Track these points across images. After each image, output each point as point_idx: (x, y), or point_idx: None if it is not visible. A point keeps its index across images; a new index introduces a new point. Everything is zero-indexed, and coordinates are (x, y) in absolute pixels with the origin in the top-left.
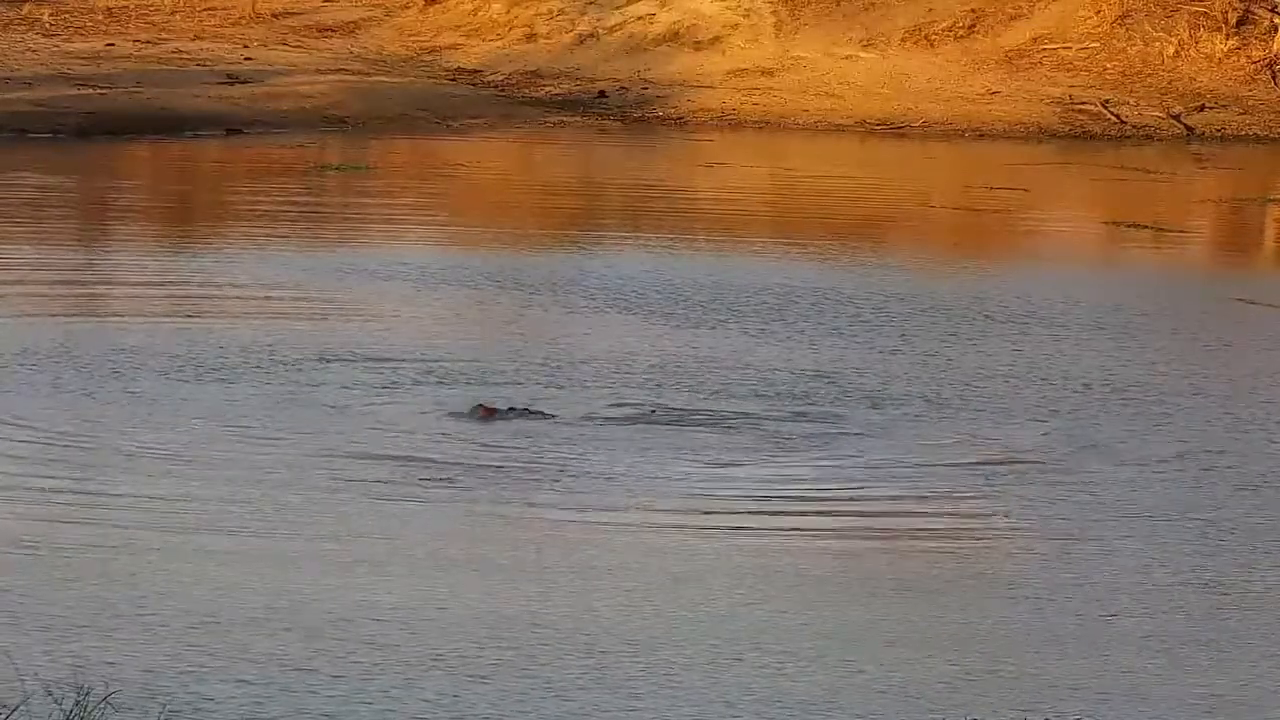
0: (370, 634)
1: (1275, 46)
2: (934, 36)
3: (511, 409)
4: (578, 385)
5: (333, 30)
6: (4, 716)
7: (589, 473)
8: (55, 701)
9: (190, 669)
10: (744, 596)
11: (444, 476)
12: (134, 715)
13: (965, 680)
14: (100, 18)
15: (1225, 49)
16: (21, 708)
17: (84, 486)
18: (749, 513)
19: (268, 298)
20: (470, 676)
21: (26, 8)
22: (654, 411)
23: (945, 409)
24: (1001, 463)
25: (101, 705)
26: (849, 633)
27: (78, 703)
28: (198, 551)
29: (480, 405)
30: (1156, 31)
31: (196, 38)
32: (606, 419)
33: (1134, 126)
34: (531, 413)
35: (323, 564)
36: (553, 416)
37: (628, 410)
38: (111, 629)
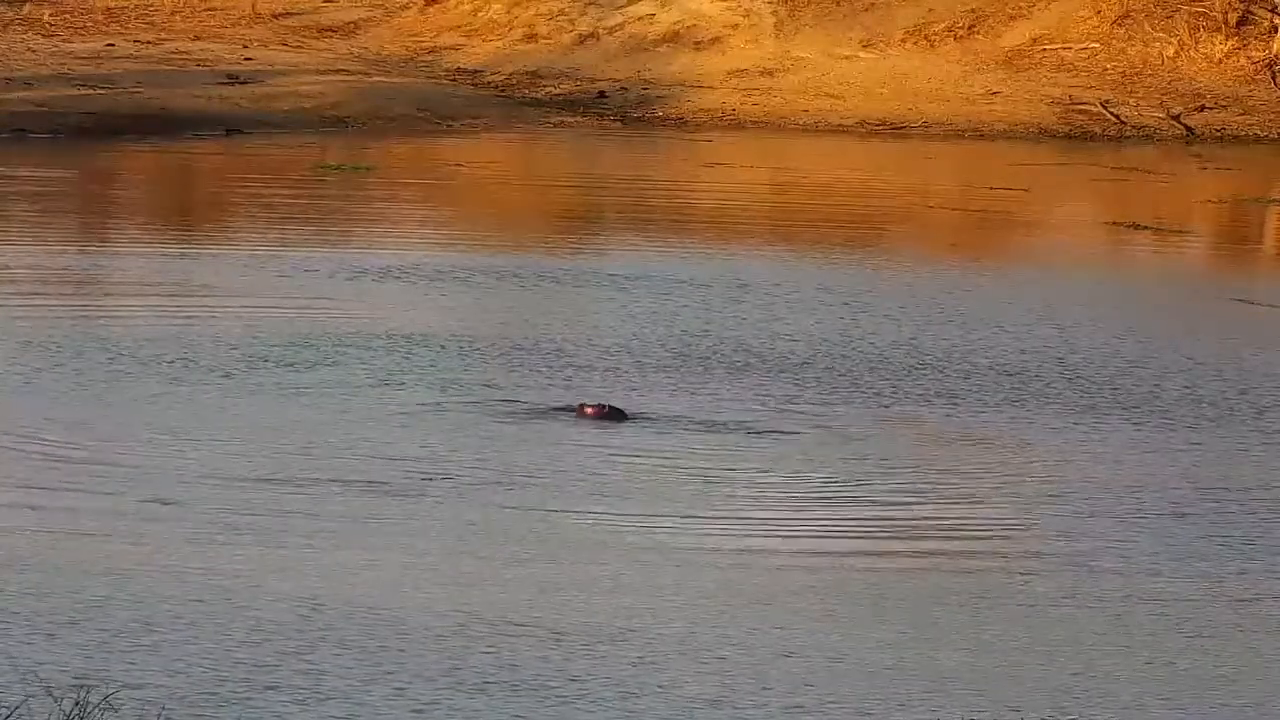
0: (373, 637)
1: (1275, 47)
2: (934, 36)
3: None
4: (584, 386)
5: (333, 30)
6: (4, 716)
7: (607, 477)
8: (55, 701)
9: (189, 670)
10: (752, 598)
11: (433, 477)
12: (134, 716)
13: (965, 680)
14: (100, 18)
15: (1225, 49)
16: (21, 708)
17: (85, 489)
18: (757, 512)
19: (268, 298)
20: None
21: (26, 8)
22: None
23: (949, 409)
24: (1004, 461)
25: (101, 705)
26: (851, 632)
27: (77, 703)
28: (199, 554)
29: (584, 404)
30: (1156, 32)
31: (196, 38)
32: (627, 421)
33: (1134, 127)
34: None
35: (329, 568)
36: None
37: (643, 412)
38: (112, 630)
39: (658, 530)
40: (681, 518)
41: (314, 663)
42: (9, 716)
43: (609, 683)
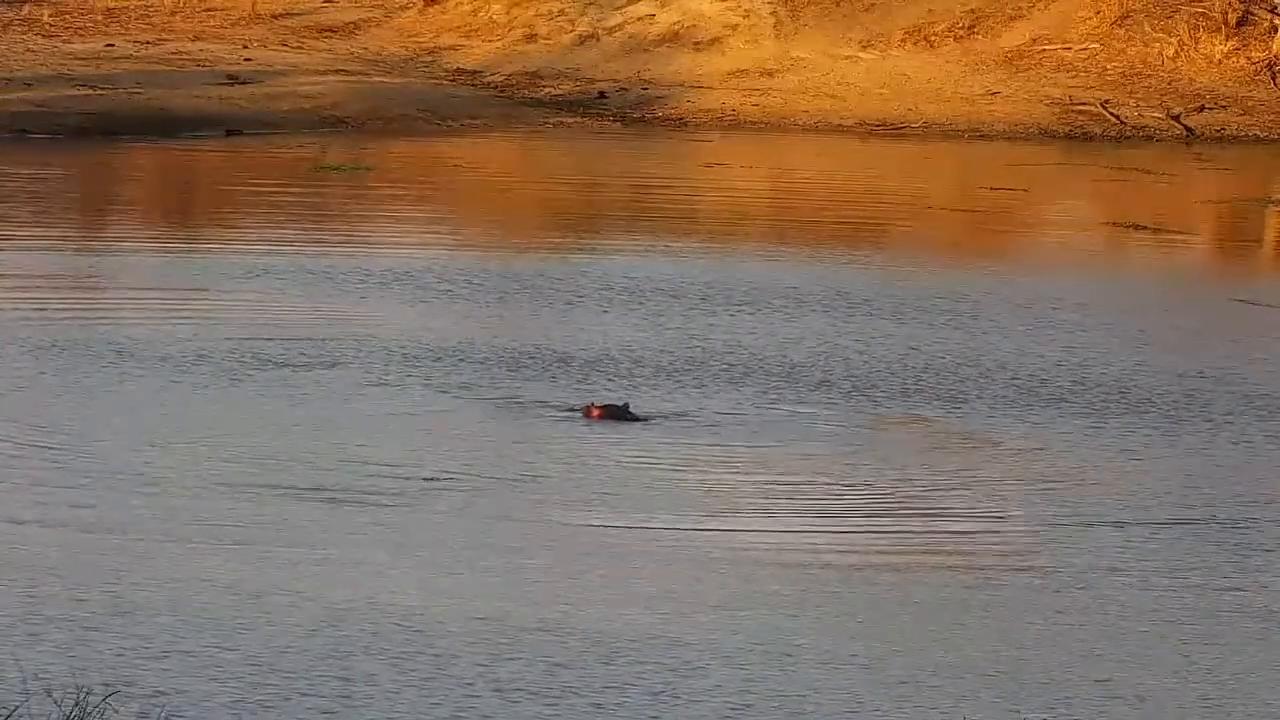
0: (402, 643)
1: (1275, 47)
2: (934, 37)
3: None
4: (589, 388)
5: (332, 31)
6: (4, 716)
7: (620, 479)
8: (55, 702)
9: (191, 671)
10: (753, 597)
11: (441, 478)
12: (134, 716)
13: (964, 679)
14: (100, 18)
15: (1225, 49)
16: (21, 708)
17: (87, 490)
18: (770, 516)
19: (270, 300)
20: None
21: (26, 8)
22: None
23: (957, 412)
24: (1014, 466)
25: (101, 706)
26: (850, 632)
27: (77, 703)
28: (200, 555)
29: (592, 404)
30: (1156, 32)
31: (196, 38)
32: (636, 421)
33: (1134, 127)
34: (626, 412)
35: (353, 573)
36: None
37: (651, 413)
38: (112, 630)
39: (675, 534)
40: (696, 521)
41: (347, 668)
42: (9, 716)
43: (645, 690)
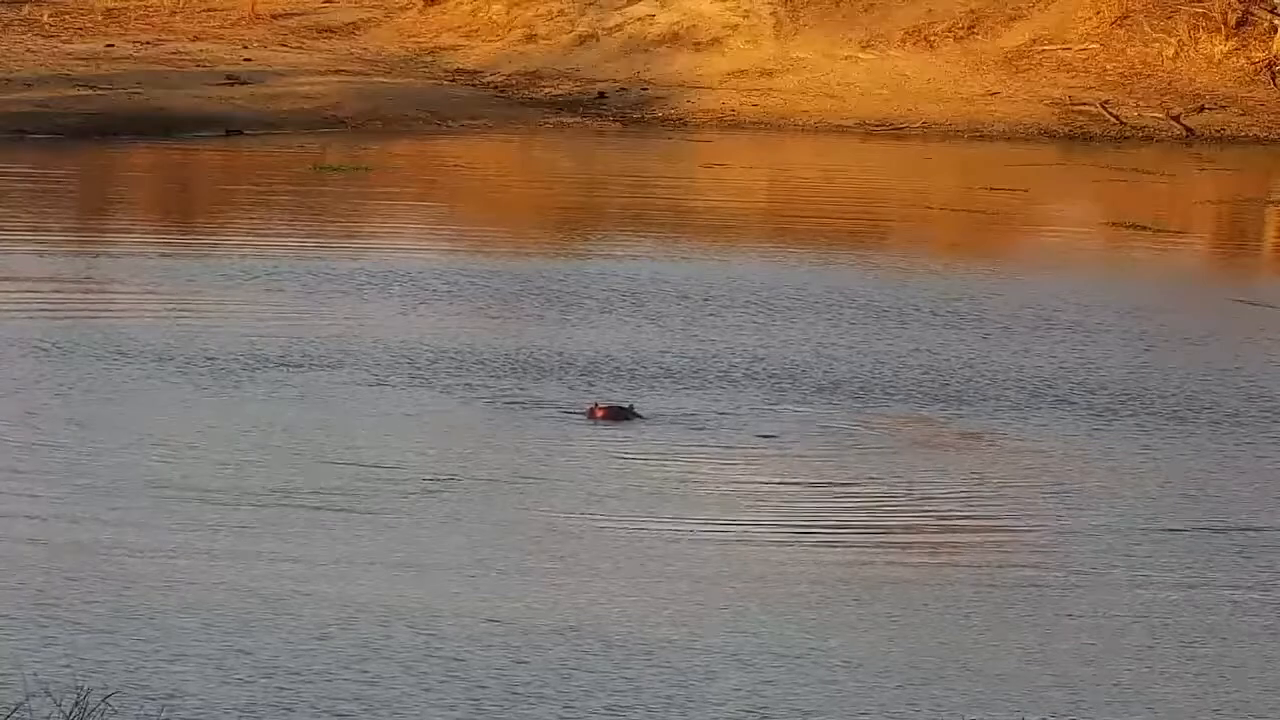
0: (386, 639)
1: (1275, 47)
2: (934, 37)
3: (617, 406)
4: (591, 388)
5: (332, 31)
6: (4, 716)
7: (626, 481)
8: (55, 702)
9: (190, 670)
10: (763, 599)
11: (446, 478)
12: (134, 715)
13: (974, 682)
14: (100, 18)
15: (1225, 50)
16: (22, 708)
17: (88, 492)
18: (778, 519)
19: (270, 300)
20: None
21: (26, 8)
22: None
23: (952, 409)
24: (1004, 461)
25: (101, 705)
26: (848, 632)
27: (77, 703)
28: (206, 557)
29: (595, 405)
30: (1156, 32)
31: (196, 39)
32: (639, 421)
33: (1134, 127)
34: (631, 412)
35: (363, 577)
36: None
37: (654, 414)
38: (112, 630)
39: (681, 535)
40: (703, 523)
41: (359, 671)
42: (9, 716)
43: (658, 694)
